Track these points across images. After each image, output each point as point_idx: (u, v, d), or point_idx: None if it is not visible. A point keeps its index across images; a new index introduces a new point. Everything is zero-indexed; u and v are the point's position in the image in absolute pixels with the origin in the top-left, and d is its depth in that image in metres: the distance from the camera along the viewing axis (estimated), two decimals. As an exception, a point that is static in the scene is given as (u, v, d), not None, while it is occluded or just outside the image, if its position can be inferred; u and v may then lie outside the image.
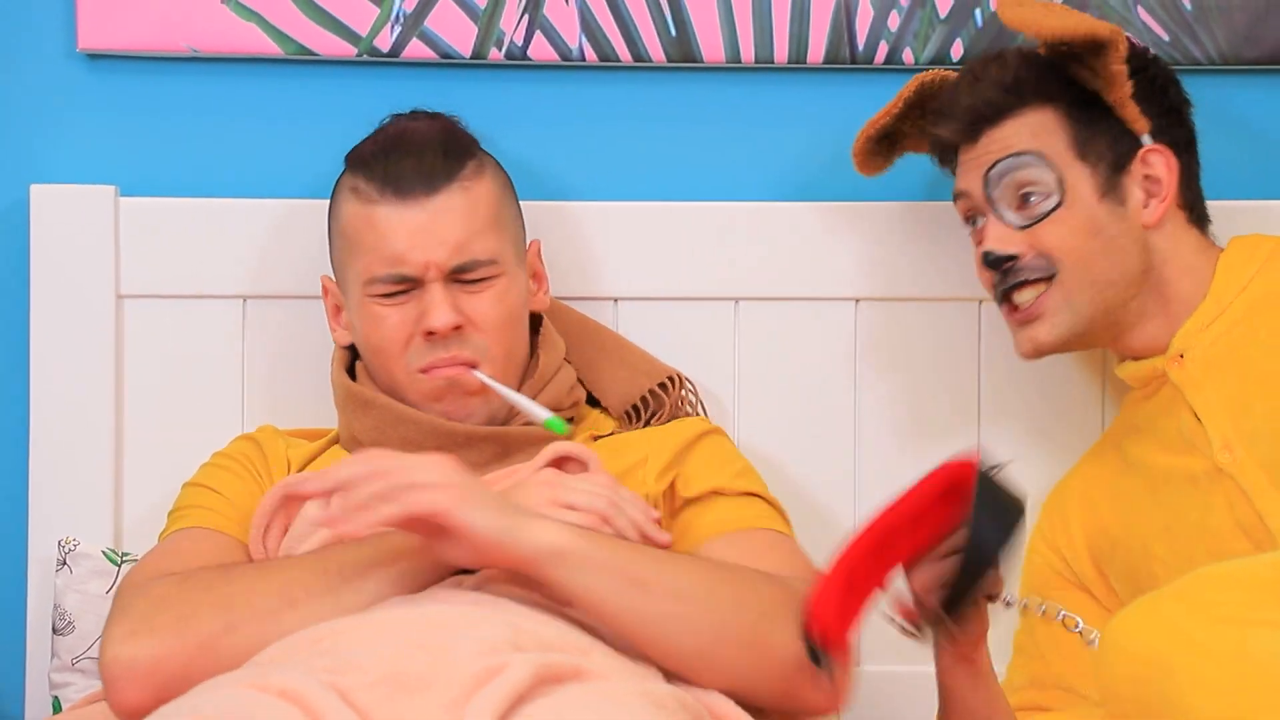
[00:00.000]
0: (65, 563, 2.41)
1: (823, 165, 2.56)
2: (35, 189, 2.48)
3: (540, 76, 2.55)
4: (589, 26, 2.52)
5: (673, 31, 2.52)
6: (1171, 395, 2.24)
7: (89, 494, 2.48)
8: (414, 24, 2.51)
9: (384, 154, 2.25)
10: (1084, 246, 2.23)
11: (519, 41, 2.52)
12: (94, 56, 2.53)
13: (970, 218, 2.31)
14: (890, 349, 2.53)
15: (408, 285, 2.21)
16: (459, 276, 2.21)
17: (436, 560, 1.95)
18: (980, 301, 2.49)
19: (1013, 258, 2.24)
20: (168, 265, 2.49)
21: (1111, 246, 2.23)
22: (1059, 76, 2.25)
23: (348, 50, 2.51)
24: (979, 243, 2.28)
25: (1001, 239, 2.24)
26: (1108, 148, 2.25)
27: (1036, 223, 2.23)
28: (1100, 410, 2.52)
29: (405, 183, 2.21)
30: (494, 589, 1.95)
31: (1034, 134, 2.25)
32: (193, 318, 2.50)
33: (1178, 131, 2.29)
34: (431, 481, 1.89)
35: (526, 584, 1.96)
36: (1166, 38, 2.50)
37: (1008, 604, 1.94)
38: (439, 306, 2.19)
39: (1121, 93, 2.23)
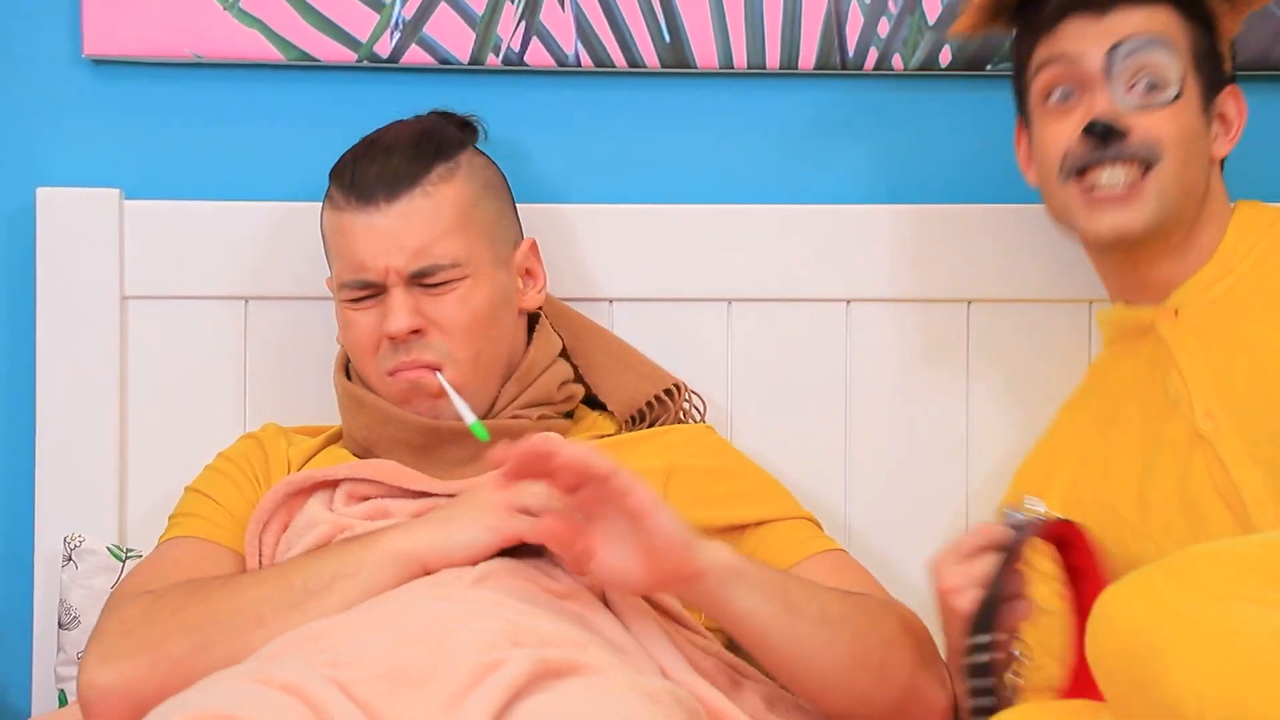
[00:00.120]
0: (71, 559, 2.42)
1: (814, 168, 2.56)
2: (41, 192, 2.49)
3: (537, 82, 2.55)
4: (585, 33, 2.52)
5: (667, 38, 2.52)
6: (1156, 353, 2.21)
7: (94, 491, 2.48)
8: (413, 30, 2.51)
9: (353, 161, 2.25)
10: (1187, 146, 2.19)
11: (516, 47, 2.52)
12: (99, 62, 2.53)
13: (1052, 89, 2.22)
14: (881, 349, 2.52)
15: (372, 290, 2.22)
16: (420, 280, 2.20)
17: (398, 571, 1.96)
18: (969, 302, 2.50)
19: (1123, 133, 2.17)
20: (171, 267, 2.49)
21: (1200, 158, 2.21)
22: None
23: (348, 56, 2.52)
24: (1066, 115, 2.20)
25: (1116, 112, 2.18)
26: (1212, 70, 2.23)
27: (1151, 108, 2.18)
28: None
29: (368, 189, 2.21)
30: (493, 583, 1.95)
31: (1167, 28, 2.20)
32: (195, 318, 2.50)
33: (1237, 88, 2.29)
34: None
35: (526, 579, 1.97)
36: None
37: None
38: (396, 311, 2.19)
39: (1234, 27, 2.24)
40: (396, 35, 2.51)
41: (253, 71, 2.54)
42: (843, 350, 2.52)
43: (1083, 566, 1.99)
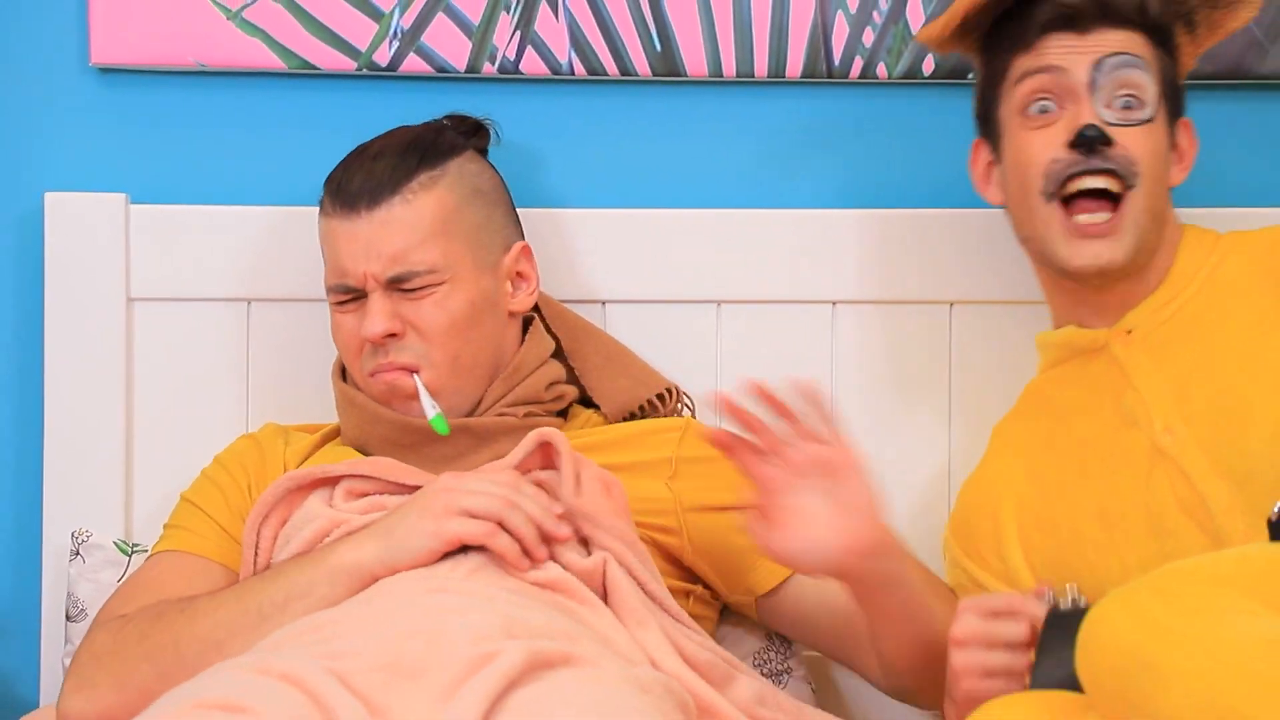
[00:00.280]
0: (78, 553, 2.43)
1: (802, 173, 2.56)
2: (49, 196, 2.49)
3: (532, 89, 2.55)
4: (578, 42, 2.52)
5: (658, 46, 2.52)
6: (1108, 373, 2.20)
7: (101, 487, 2.48)
8: (411, 39, 2.51)
9: (342, 170, 2.26)
10: (1157, 169, 2.19)
11: (511, 56, 2.52)
12: (106, 70, 2.54)
13: (1036, 101, 2.21)
14: (866, 349, 2.52)
15: (354, 294, 2.24)
16: (398, 285, 2.21)
17: (349, 585, 1.97)
18: (951, 304, 2.50)
19: (1110, 141, 2.16)
20: (176, 269, 2.50)
21: (1164, 182, 2.21)
22: (1168, 23, 2.23)
23: (347, 64, 2.52)
24: (1047, 126, 2.19)
25: (1103, 123, 2.17)
26: (1174, 99, 2.24)
27: (1127, 126, 2.18)
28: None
29: (351, 197, 2.23)
30: (486, 575, 1.96)
31: (1142, 50, 2.20)
32: (199, 319, 2.50)
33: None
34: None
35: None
36: None
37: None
38: (372, 316, 2.21)
39: (1191, 63, 2.26)
40: (395, 44, 2.51)
41: (255, 79, 2.55)
42: (828, 350, 2.52)
43: None
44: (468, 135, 2.35)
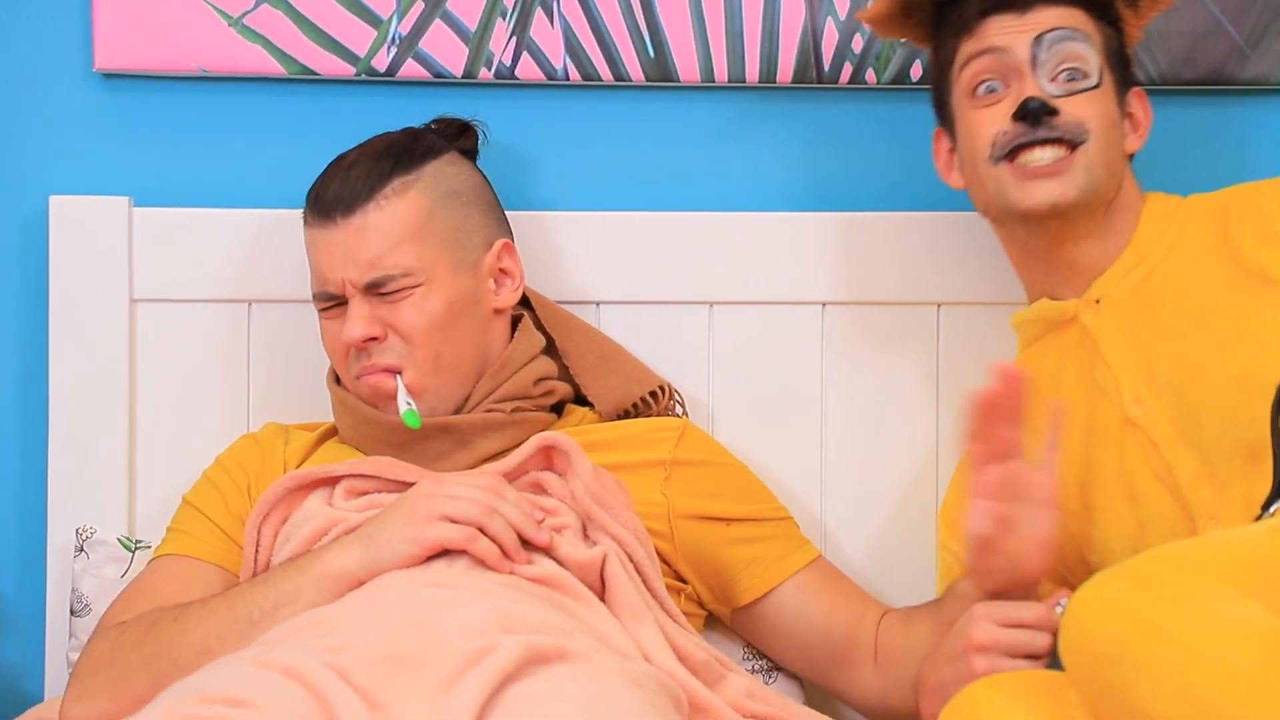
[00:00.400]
0: (82, 549, 2.43)
1: (792, 177, 2.57)
2: (54, 200, 2.49)
3: (527, 94, 2.55)
4: (573, 48, 2.53)
5: (651, 52, 2.53)
6: (1081, 344, 2.22)
7: (105, 484, 2.49)
8: (409, 45, 2.52)
9: (320, 180, 2.28)
10: (1108, 131, 2.21)
11: (507, 62, 2.52)
12: (109, 76, 2.54)
13: (985, 85, 2.24)
14: (855, 349, 2.53)
15: (336, 301, 2.25)
16: (376, 290, 2.22)
17: (335, 590, 1.98)
18: (939, 305, 2.50)
19: (1054, 111, 2.18)
20: (178, 271, 2.50)
21: (1118, 145, 2.23)
22: (1107, 2, 2.25)
23: (346, 70, 2.52)
24: (993, 104, 2.22)
25: (1046, 95, 2.19)
26: (1122, 69, 2.26)
27: (1072, 95, 2.20)
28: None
29: (328, 206, 2.24)
30: (483, 571, 1.97)
31: (1082, 24, 2.23)
32: (201, 320, 2.50)
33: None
34: None
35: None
36: None
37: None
38: (352, 321, 2.22)
39: (1137, 34, 2.27)
40: (393, 50, 2.52)
41: (256, 85, 2.55)
42: (818, 351, 2.52)
43: None
44: (453, 137, 2.36)
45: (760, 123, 2.57)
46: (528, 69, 2.53)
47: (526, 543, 2.01)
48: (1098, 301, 2.22)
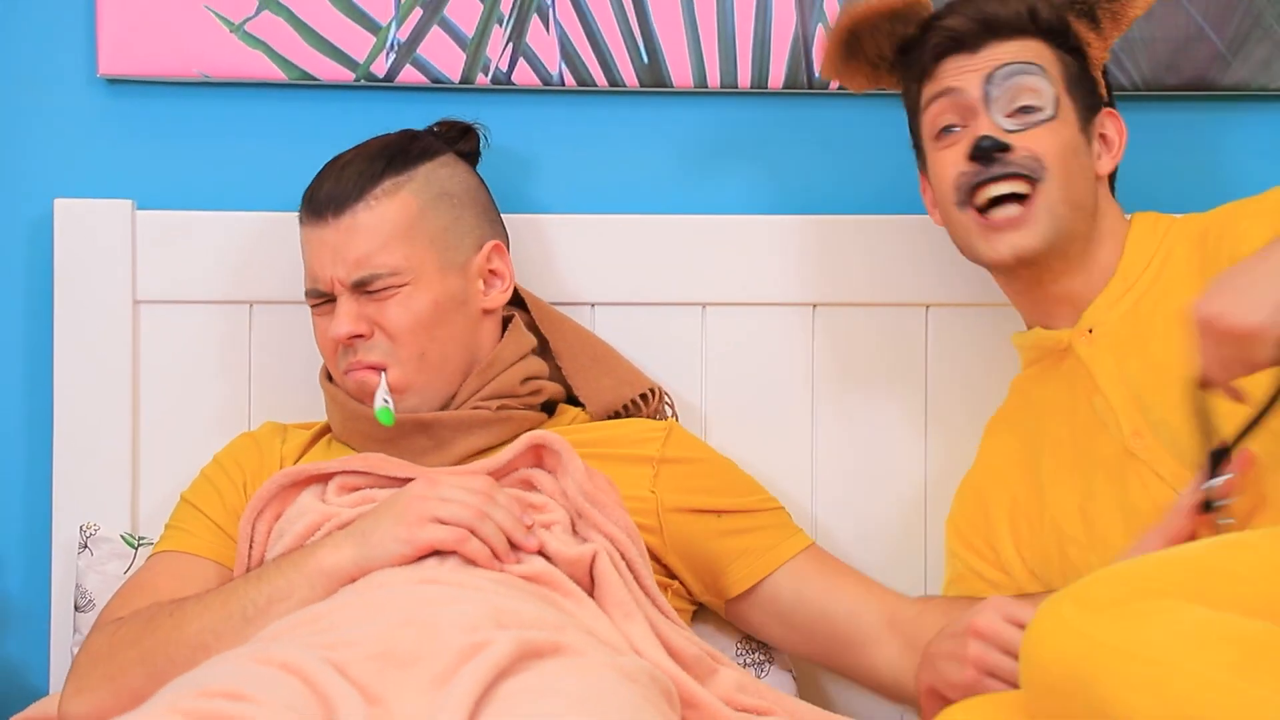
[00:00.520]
0: (86, 546, 2.43)
1: (783, 180, 2.57)
2: (59, 203, 2.49)
3: (523, 100, 2.56)
4: (568, 54, 2.53)
5: (645, 59, 2.53)
6: (1076, 373, 2.20)
7: (108, 482, 2.49)
8: (407, 52, 2.52)
9: (316, 179, 2.29)
10: (1068, 161, 2.19)
11: (504, 68, 2.53)
12: (113, 81, 2.54)
13: (945, 127, 2.24)
14: (844, 350, 2.53)
15: (325, 298, 2.26)
16: (363, 288, 2.23)
17: (328, 586, 1.98)
18: (927, 307, 2.50)
19: (1006, 148, 2.18)
20: (180, 273, 2.50)
21: (1083, 174, 2.21)
22: (1064, 24, 2.24)
23: (346, 76, 2.52)
24: (953, 145, 2.22)
25: (998, 130, 2.19)
26: (1084, 95, 2.24)
27: (1029, 128, 2.19)
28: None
29: (320, 205, 2.25)
30: (477, 569, 1.97)
31: (1038, 57, 2.22)
32: (203, 321, 2.51)
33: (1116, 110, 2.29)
34: None
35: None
36: None
37: None
38: (339, 318, 2.23)
39: (1103, 54, 2.25)
40: (392, 56, 2.52)
41: (257, 90, 2.55)
42: (808, 352, 2.52)
43: None
44: (453, 140, 2.36)
45: (752, 128, 2.58)
46: (524, 75, 2.54)
47: (516, 546, 2.02)
48: (1090, 331, 2.21)
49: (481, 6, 2.53)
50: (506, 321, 2.35)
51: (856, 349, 2.54)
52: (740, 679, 2.03)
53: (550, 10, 2.53)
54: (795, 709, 2.04)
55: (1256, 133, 2.58)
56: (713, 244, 2.53)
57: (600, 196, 2.58)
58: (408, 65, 2.53)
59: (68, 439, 2.49)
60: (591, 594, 2.02)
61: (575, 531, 2.08)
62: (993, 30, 2.22)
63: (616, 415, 2.37)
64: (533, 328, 2.39)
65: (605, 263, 2.53)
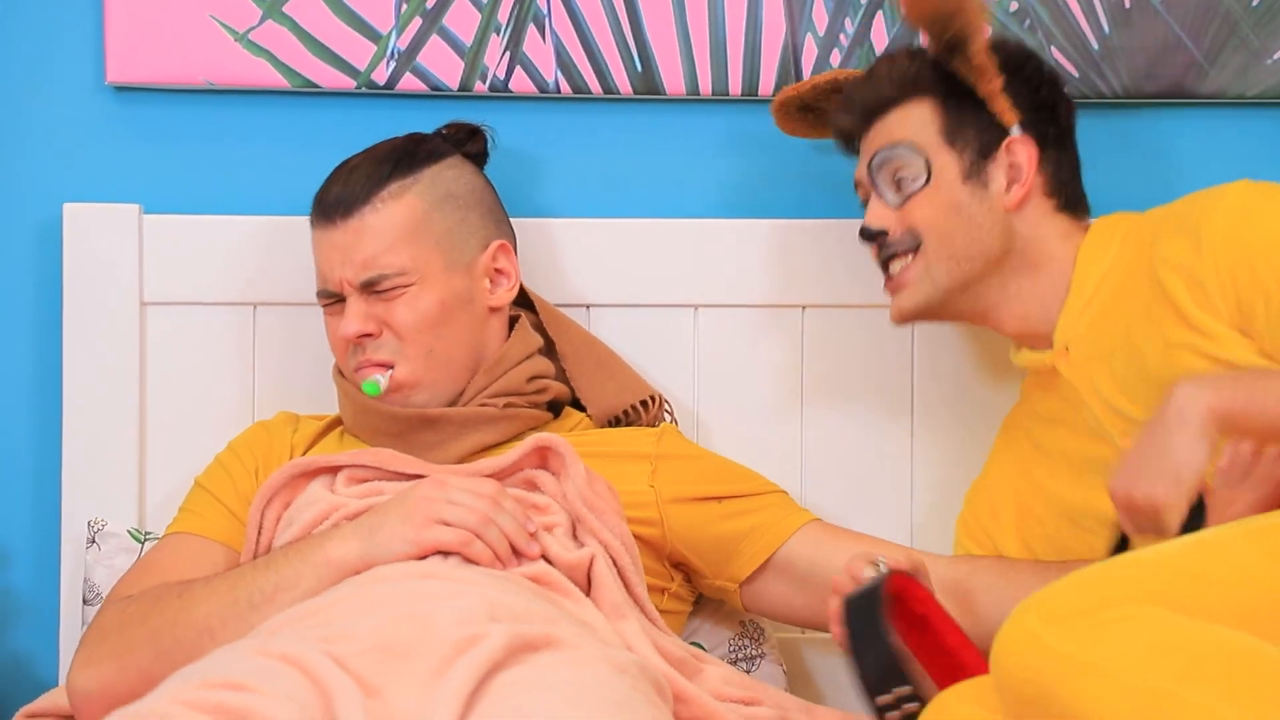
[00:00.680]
0: (94, 540, 2.44)
1: (774, 185, 2.58)
2: (67, 207, 2.50)
3: (520, 106, 2.56)
4: (564, 62, 2.54)
5: (639, 66, 2.54)
6: (1066, 386, 2.20)
7: (116, 479, 2.49)
8: (407, 60, 2.53)
9: (325, 182, 2.30)
10: (946, 222, 2.22)
11: (501, 75, 2.53)
12: (121, 89, 2.54)
13: (865, 202, 2.30)
14: (833, 351, 2.54)
15: (335, 298, 2.27)
16: (371, 289, 2.25)
17: (332, 577, 1.99)
18: None
19: (883, 232, 2.24)
20: (186, 275, 2.51)
21: (972, 224, 2.22)
22: (940, 73, 2.25)
23: (347, 83, 2.53)
24: None
25: (876, 216, 2.25)
26: (975, 136, 2.24)
27: (907, 200, 2.23)
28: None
29: (329, 208, 2.27)
30: (475, 565, 1.98)
31: (911, 124, 2.25)
32: (208, 322, 2.51)
33: (1047, 127, 2.26)
34: None
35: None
36: (1076, 74, 2.51)
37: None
38: (348, 318, 2.25)
39: (990, 86, 2.23)
40: (392, 64, 2.53)
41: (261, 97, 2.56)
42: (798, 352, 2.53)
43: (927, 613, 1.99)
44: (461, 142, 2.37)
45: (743, 133, 2.58)
46: (521, 82, 2.55)
47: (518, 552, 2.03)
48: (1068, 349, 2.21)
49: (479, 16, 2.53)
50: (514, 322, 2.36)
51: (845, 349, 2.55)
52: (725, 674, 2.04)
53: (546, 19, 2.54)
54: (781, 699, 2.05)
55: (1232, 139, 2.59)
56: (705, 247, 2.54)
57: (595, 201, 2.59)
58: (407, 73, 2.54)
59: (76, 437, 2.50)
60: (588, 595, 2.04)
61: (574, 535, 2.09)
62: (873, 112, 2.29)
63: (617, 420, 2.37)
64: (539, 329, 2.39)
65: (600, 265, 2.53)
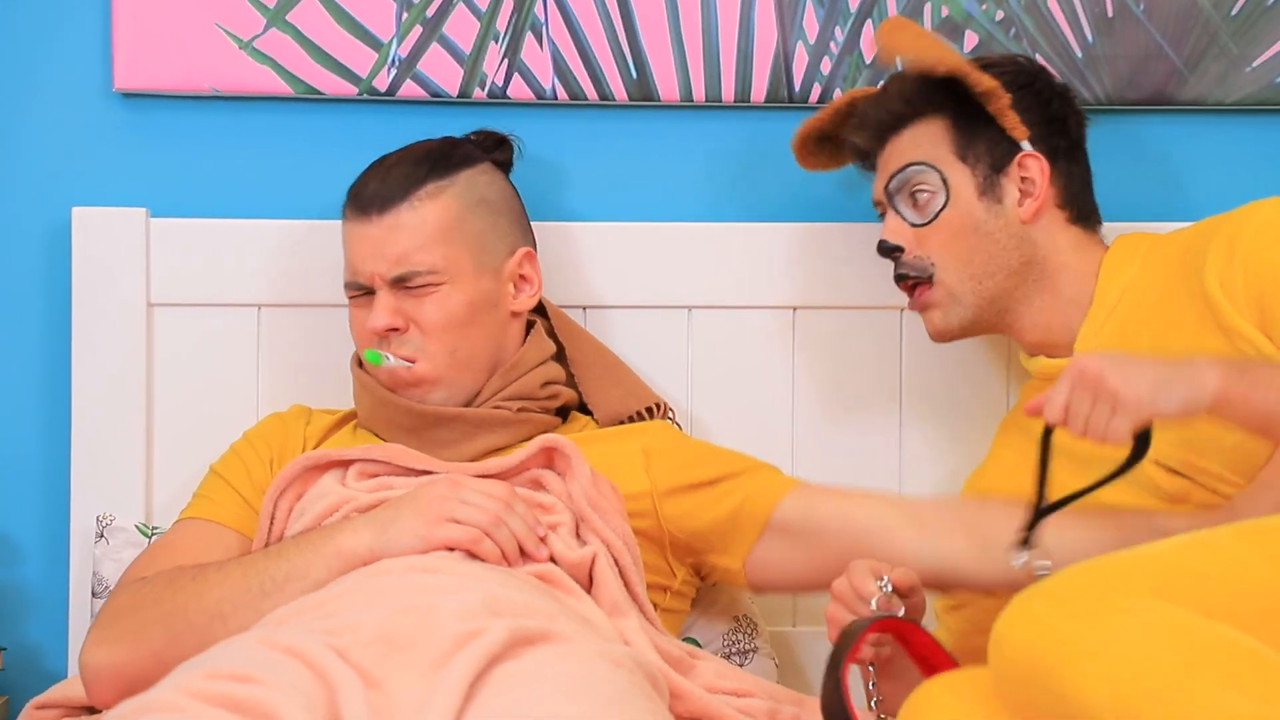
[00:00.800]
0: (103, 535, 2.45)
1: (766, 189, 2.58)
2: (76, 211, 2.50)
3: (518, 113, 2.56)
4: (561, 69, 2.54)
5: (634, 73, 2.55)
6: None
7: (123, 475, 2.50)
8: (408, 67, 2.53)
9: (361, 177, 2.30)
10: (960, 242, 2.24)
11: (499, 82, 2.54)
12: (128, 95, 2.55)
13: (882, 216, 2.33)
14: (823, 350, 2.55)
15: (364, 291, 2.28)
16: (402, 284, 2.25)
17: (343, 568, 1.99)
18: (902, 310, 2.51)
19: (899, 249, 2.27)
20: (192, 278, 2.51)
21: (990, 240, 2.25)
22: (950, 89, 2.26)
23: (349, 90, 2.53)
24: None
25: (892, 231, 2.28)
26: (986, 151, 2.26)
27: (930, 221, 2.25)
28: (1005, 401, 2.52)
29: (365, 202, 2.27)
30: (478, 560, 1.99)
31: (925, 142, 2.27)
32: (214, 324, 2.52)
33: (1058, 140, 2.29)
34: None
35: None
36: (1061, 81, 2.47)
37: None
38: (378, 310, 2.25)
39: (999, 104, 2.25)
40: (393, 71, 2.53)
41: (265, 104, 2.56)
42: (789, 352, 2.54)
43: (926, 653, 1.98)
44: (489, 149, 2.38)
45: (736, 139, 2.59)
46: (519, 89, 2.55)
47: (526, 554, 2.04)
48: None
49: (478, 24, 2.54)
50: (529, 327, 2.37)
51: (834, 348, 2.55)
52: (718, 668, 2.05)
53: (544, 28, 2.54)
54: (772, 690, 2.06)
55: (1212, 144, 2.60)
56: (699, 250, 2.55)
57: (591, 205, 2.59)
58: (408, 80, 2.54)
59: (85, 434, 2.50)
60: (589, 593, 2.05)
61: (578, 534, 2.10)
62: (886, 130, 2.31)
63: (620, 425, 2.37)
64: (550, 335, 2.40)
65: (596, 268, 2.54)
